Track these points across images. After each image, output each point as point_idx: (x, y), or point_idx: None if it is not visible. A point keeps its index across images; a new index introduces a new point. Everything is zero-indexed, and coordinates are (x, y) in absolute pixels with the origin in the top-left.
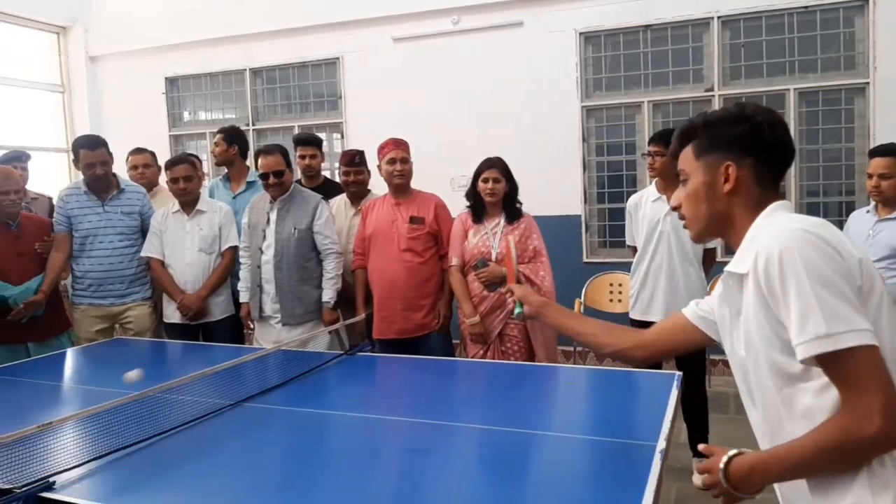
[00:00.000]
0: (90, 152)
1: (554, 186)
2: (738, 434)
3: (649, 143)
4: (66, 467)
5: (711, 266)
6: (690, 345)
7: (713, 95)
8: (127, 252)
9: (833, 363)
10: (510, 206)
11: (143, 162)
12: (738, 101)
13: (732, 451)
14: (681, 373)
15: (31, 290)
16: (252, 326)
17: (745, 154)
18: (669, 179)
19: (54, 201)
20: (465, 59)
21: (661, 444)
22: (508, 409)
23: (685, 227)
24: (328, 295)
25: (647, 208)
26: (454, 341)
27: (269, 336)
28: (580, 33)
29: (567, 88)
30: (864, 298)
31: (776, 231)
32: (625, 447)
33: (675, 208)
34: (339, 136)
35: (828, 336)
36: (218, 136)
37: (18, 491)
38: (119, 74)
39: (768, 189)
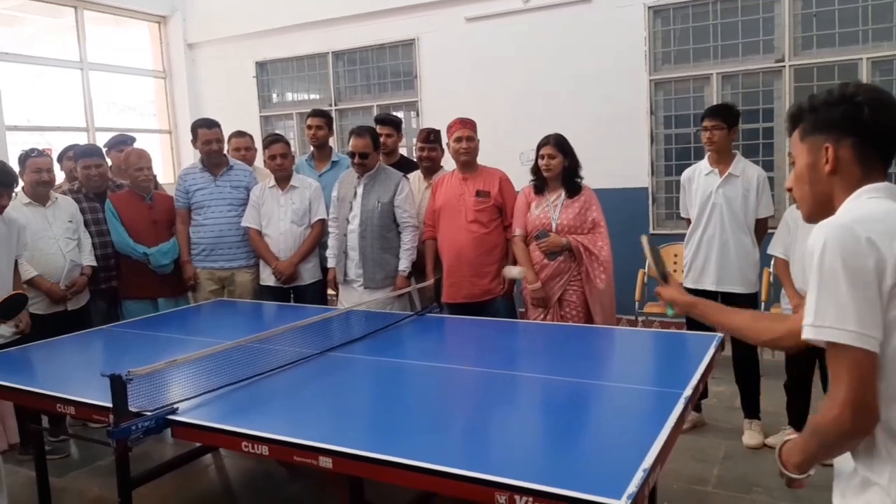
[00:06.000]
0: (207, 130)
1: (621, 159)
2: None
3: (703, 117)
4: (186, 397)
5: (763, 235)
6: None
7: (783, 66)
8: (234, 221)
9: (828, 352)
10: (569, 181)
11: (245, 145)
12: (808, 71)
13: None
14: (721, 335)
15: (163, 252)
16: (337, 289)
17: (845, 134)
18: (724, 154)
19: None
20: (535, 37)
21: (688, 391)
22: (562, 362)
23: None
24: (403, 264)
25: (700, 181)
26: (519, 309)
27: (352, 298)
28: (649, 7)
29: (635, 62)
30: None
31: (830, 219)
32: (658, 394)
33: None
34: (415, 114)
35: (813, 326)
36: (319, 119)
37: (150, 413)
38: (214, 60)
39: (874, 170)
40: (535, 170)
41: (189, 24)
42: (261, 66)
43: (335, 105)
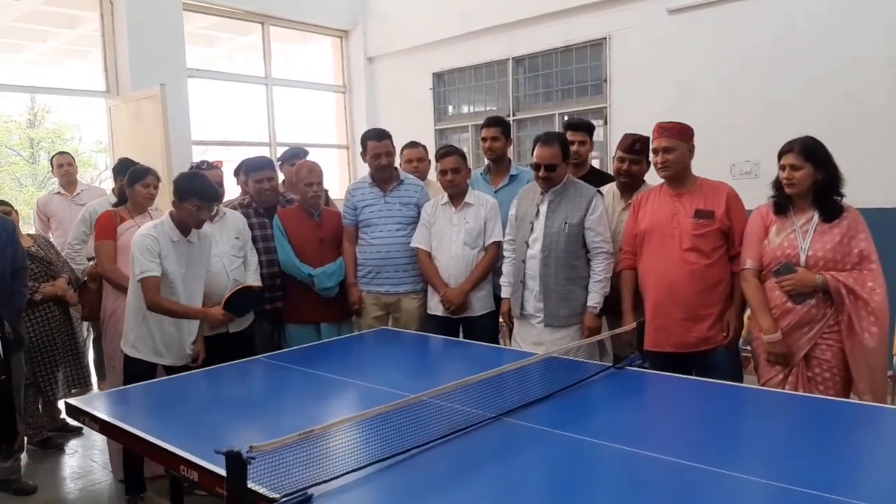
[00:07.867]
0: (377, 143)
1: (877, 171)
2: None
3: None
4: (324, 479)
5: None
6: None
7: None
8: (402, 241)
9: None
10: (824, 199)
11: (418, 156)
12: None
13: None
14: None
15: (328, 273)
16: (511, 323)
17: None
18: None
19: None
20: (753, 27)
21: None
22: (818, 461)
23: None
24: (594, 299)
25: None
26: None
27: (529, 336)
28: None
29: (891, 49)
30: None
31: None
32: None
33: None
34: (602, 121)
35: None
36: (494, 129)
37: (278, 499)
38: (392, 73)
39: None
40: (777, 184)
41: (370, 37)
42: (438, 76)
43: (514, 115)
